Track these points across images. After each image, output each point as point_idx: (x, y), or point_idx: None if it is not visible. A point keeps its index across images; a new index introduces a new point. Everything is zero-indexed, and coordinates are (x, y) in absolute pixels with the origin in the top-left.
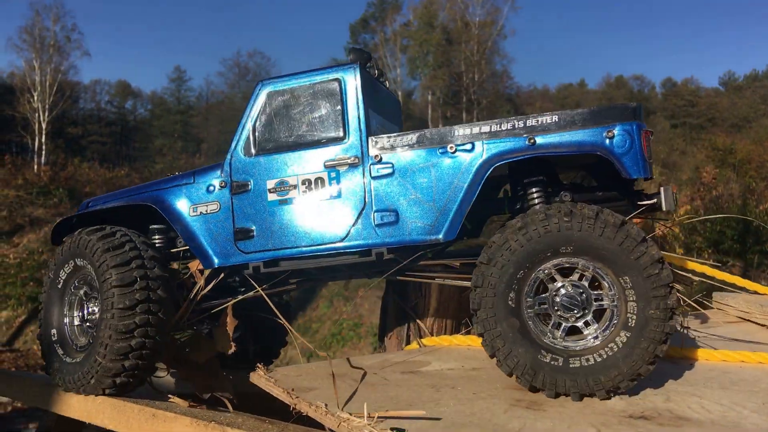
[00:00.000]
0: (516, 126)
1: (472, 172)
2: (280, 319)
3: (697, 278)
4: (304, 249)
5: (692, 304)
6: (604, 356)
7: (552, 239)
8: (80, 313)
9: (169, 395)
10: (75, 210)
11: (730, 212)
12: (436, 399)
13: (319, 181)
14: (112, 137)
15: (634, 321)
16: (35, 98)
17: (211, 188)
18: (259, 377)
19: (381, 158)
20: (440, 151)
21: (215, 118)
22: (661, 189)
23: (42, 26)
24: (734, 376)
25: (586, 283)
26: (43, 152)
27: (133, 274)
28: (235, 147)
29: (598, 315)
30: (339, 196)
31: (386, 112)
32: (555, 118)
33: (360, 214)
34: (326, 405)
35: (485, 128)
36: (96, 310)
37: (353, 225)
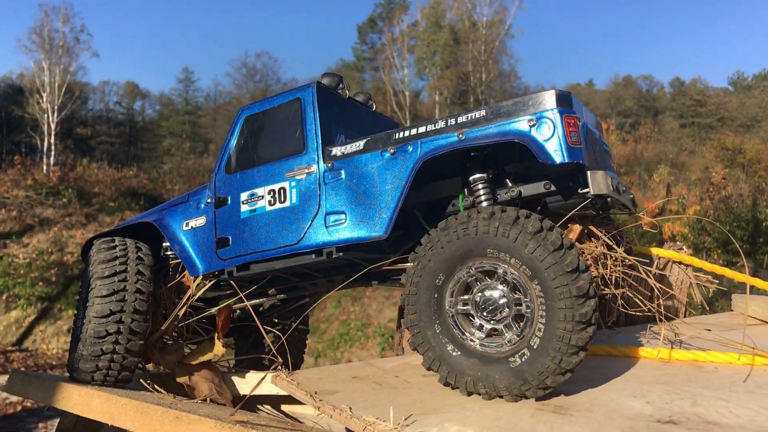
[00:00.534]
0: (448, 124)
1: (408, 171)
2: (256, 322)
3: (716, 281)
4: (267, 252)
5: (705, 305)
6: (515, 362)
7: (470, 243)
8: (80, 314)
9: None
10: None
11: (740, 212)
12: (460, 403)
13: (282, 190)
14: (120, 138)
15: (542, 330)
16: (44, 99)
17: (201, 205)
18: (281, 380)
19: (333, 166)
20: (382, 154)
21: (223, 119)
22: (588, 173)
23: (51, 27)
24: (760, 380)
25: (504, 288)
26: (53, 153)
27: (113, 286)
28: (219, 166)
29: (521, 320)
30: (298, 202)
31: (360, 127)
32: (483, 112)
33: (314, 217)
34: (350, 408)
35: (422, 129)
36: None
37: (308, 228)
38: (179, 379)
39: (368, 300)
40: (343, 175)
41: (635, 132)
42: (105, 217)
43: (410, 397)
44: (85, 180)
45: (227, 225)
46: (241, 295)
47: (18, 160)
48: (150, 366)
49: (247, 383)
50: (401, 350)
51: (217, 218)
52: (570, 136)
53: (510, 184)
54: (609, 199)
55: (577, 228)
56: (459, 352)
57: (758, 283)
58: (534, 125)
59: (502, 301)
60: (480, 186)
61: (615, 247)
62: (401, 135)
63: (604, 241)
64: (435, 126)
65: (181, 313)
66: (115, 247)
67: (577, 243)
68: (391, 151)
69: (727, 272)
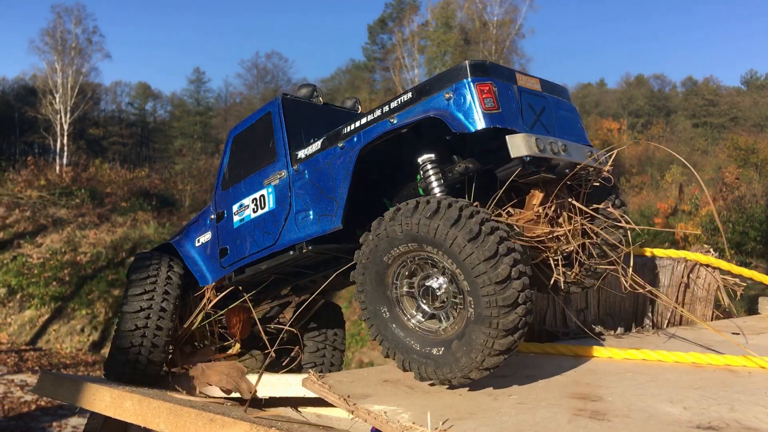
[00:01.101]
0: (383, 111)
1: (352, 162)
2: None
3: (744, 284)
4: (254, 255)
5: (733, 309)
6: (442, 352)
7: (401, 232)
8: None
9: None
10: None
11: (753, 213)
12: (495, 408)
13: (262, 197)
14: (132, 138)
15: (464, 327)
16: (57, 100)
17: (207, 222)
18: (312, 383)
19: (298, 168)
20: (334, 149)
21: (234, 119)
22: (507, 137)
23: (64, 29)
24: None
25: (442, 278)
26: (65, 153)
27: (141, 304)
28: (217, 184)
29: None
30: (274, 206)
31: None
32: (410, 94)
33: (286, 217)
34: (386, 413)
35: (363, 120)
36: None
37: (282, 228)
38: (192, 373)
39: None
40: (306, 175)
41: (647, 132)
42: (117, 218)
43: (444, 401)
44: (97, 180)
45: (225, 236)
46: (245, 297)
47: (31, 161)
48: (176, 369)
49: (273, 385)
50: None
51: (219, 231)
52: (484, 102)
53: (457, 160)
54: (551, 161)
55: (538, 194)
56: (403, 333)
57: None
58: (451, 98)
59: (440, 292)
60: (428, 167)
61: (577, 204)
62: (348, 129)
63: (570, 201)
64: (373, 115)
65: (198, 319)
66: (150, 265)
67: (539, 207)
68: (341, 145)
69: (756, 275)
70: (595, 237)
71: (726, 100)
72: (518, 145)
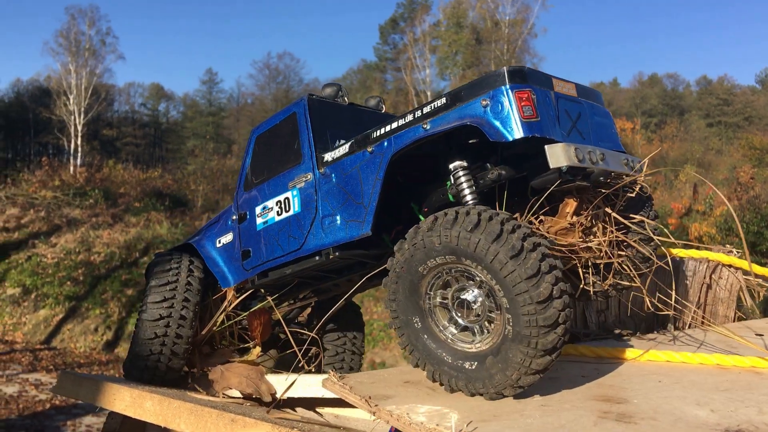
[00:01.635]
0: (415, 116)
1: (383, 167)
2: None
3: (767, 284)
4: (278, 259)
5: (756, 310)
6: (475, 366)
7: (440, 244)
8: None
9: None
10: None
11: None
12: (519, 409)
13: (287, 200)
14: (145, 139)
15: (500, 343)
16: (71, 101)
17: (228, 223)
18: (332, 384)
19: (325, 171)
20: (364, 154)
21: (246, 120)
22: (546, 147)
23: (78, 30)
24: None
25: (478, 291)
26: (79, 154)
27: (160, 312)
28: (239, 185)
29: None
30: (299, 210)
31: (364, 131)
32: (444, 99)
33: (312, 222)
34: (408, 414)
35: (394, 125)
36: None
37: (308, 233)
38: (211, 376)
39: None
40: (333, 179)
41: (660, 131)
42: (131, 218)
43: (467, 403)
44: (111, 181)
45: (248, 238)
46: (269, 300)
47: (46, 162)
48: (195, 370)
49: (294, 386)
50: None
51: (241, 233)
52: (523, 110)
53: (490, 167)
54: (586, 169)
55: (572, 203)
56: (435, 345)
57: None
58: (488, 105)
59: (475, 306)
60: (460, 173)
61: (610, 211)
62: (378, 133)
63: (604, 210)
64: (404, 120)
65: (218, 321)
66: (170, 260)
67: (573, 216)
68: (370, 150)
69: None
70: (627, 250)
71: (740, 99)
72: (558, 155)
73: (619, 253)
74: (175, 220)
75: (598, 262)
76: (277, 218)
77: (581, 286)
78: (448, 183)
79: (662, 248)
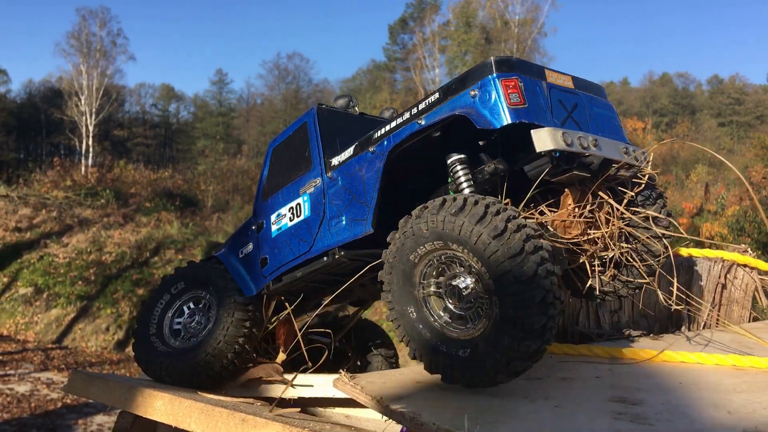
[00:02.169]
0: (411, 114)
1: (383, 164)
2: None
3: None
4: (291, 262)
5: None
6: (468, 353)
7: (427, 230)
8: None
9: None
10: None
11: None
12: (532, 410)
13: (298, 206)
14: (156, 139)
15: (489, 328)
16: (82, 102)
17: (249, 233)
18: (343, 384)
19: (332, 175)
20: (365, 154)
21: (256, 120)
22: (531, 132)
23: (89, 31)
24: None
25: (467, 277)
26: (90, 154)
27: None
28: (258, 195)
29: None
30: (309, 214)
31: None
32: (437, 94)
33: (320, 224)
34: (420, 415)
35: (393, 124)
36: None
37: (316, 234)
38: (242, 378)
39: None
40: (339, 182)
41: (671, 131)
42: (142, 218)
43: (479, 404)
44: (122, 181)
45: (265, 245)
46: (288, 309)
47: (57, 162)
48: None
49: (305, 386)
50: None
51: (259, 242)
52: (509, 97)
53: (486, 159)
54: (581, 156)
55: (572, 193)
56: (430, 334)
57: None
58: (476, 95)
59: (466, 292)
60: (458, 167)
61: (613, 203)
62: (378, 134)
63: (606, 200)
64: (402, 118)
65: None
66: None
67: (574, 206)
68: (371, 150)
69: None
70: (635, 242)
71: (752, 98)
72: (543, 138)
73: (624, 245)
74: (186, 220)
75: (603, 255)
76: (290, 224)
77: (588, 282)
78: (450, 179)
79: (667, 243)
